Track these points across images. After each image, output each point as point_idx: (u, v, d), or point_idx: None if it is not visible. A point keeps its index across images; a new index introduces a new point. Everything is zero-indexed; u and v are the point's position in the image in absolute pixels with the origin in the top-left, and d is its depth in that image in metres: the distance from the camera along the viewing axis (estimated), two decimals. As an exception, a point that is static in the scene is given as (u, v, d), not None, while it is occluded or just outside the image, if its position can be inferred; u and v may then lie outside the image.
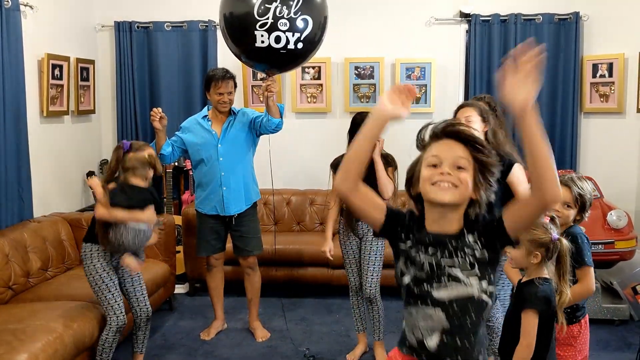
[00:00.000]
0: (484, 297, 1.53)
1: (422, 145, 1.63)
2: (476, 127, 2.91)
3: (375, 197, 1.68)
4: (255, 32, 3.09)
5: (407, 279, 1.59)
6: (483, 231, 1.55)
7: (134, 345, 3.31)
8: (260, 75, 5.01)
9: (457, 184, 1.52)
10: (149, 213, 3.06)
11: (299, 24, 3.11)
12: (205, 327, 4.00)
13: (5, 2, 3.73)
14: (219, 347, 3.78)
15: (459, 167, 1.53)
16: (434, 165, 1.54)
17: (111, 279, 3.07)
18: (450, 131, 1.56)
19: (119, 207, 2.95)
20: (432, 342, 1.56)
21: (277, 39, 3.09)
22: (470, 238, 1.55)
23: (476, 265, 1.53)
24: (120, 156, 3.06)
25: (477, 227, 1.56)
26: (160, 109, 3.62)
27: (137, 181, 3.04)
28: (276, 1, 3.06)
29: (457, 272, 1.53)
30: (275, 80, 3.49)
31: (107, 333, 3.07)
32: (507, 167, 2.82)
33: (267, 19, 3.06)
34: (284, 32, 3.08)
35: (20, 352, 2.66)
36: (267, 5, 3.06)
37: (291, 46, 3.13)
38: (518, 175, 2.85)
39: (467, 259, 1.53)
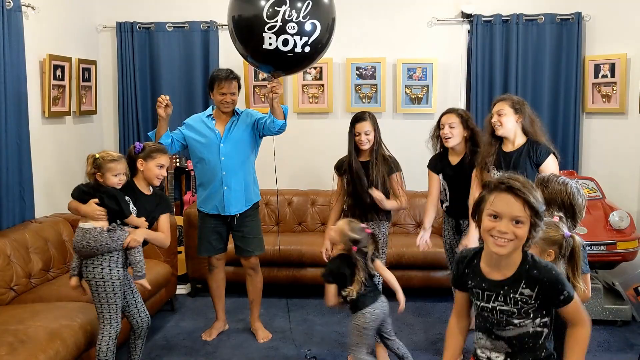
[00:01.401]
0: (539, 329, 1.82)
1: (488, 188, 1.81)
2: (509, 119, 3.24)
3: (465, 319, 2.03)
4: (264, 34, 3.07)
5: (475, 308, 1.92)
6: (543, 294, 1.77)
7: (131, 353, 3.22)
8: (262, 75, 5.01)
9: (512, 239, 1.73)
10: (88, 206, 2.96)
11: (307, 27, 3.10)
12: (207, 328, 4.00)
13: (7, 3, 3.73)
14: (220, 348, 3.78)
15: (517, 222, 1.72)
16: (494, 216, 1.75)
17: (121, 290, 3.02)
18: (510, 189, 1.74)
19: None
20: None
21: (285, 42, 3.08)
22: (525, 290, 1.78)
23: (530, 311, 1.79)
24: (132, 155, 3.10)
25: (536, 284, 1.77)
26: (168, 97, 3.58)
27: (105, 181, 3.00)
28: (286, 4, 3.04)
29: (511, 318, 1.81)
30: (280, 82, 3.49)
31: (108, 343, 2.96)
32: (545, 153, 3.17)
33: (276, 21, 3.05)
34: (292, 35, 3.07)
35: (21, 353, 2.66)
36: (276, 8, 3.05)
37: (298, 50, 3.11)
38: (550, 165, 3.16)
39: (520, 305, 1.78)
